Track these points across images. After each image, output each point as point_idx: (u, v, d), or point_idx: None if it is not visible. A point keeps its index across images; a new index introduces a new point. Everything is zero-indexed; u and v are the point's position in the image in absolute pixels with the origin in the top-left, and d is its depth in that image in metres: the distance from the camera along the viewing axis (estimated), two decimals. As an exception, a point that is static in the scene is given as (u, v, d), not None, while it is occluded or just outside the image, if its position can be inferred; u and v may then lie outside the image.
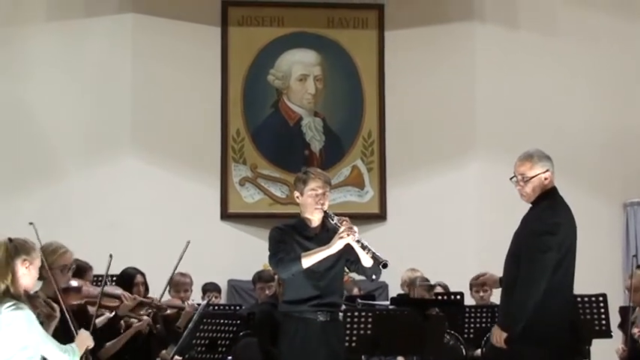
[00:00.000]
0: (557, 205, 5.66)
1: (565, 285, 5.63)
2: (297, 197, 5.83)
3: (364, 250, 5.55)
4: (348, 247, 5.67)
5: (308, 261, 5.61)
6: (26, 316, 4.70)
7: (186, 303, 7.49)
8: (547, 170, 5.71)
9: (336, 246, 5.59)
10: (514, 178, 5.79)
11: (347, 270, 5.99)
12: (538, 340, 5.41)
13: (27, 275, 4.83)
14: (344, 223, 5.63)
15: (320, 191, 5.74)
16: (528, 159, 5.74)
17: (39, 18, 10.75)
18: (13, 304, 4.69)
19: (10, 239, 4.85)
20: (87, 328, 5.31)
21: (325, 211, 5.74)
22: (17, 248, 4.80)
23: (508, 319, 5.56)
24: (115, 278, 7.64)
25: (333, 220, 5.70)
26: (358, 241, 5.57)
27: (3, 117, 10.56)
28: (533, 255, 5.50)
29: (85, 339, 5.06)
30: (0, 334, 4.68)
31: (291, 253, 5.70)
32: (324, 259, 5.64)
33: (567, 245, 5.57)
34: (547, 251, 5.48)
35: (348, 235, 5.55)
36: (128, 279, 7.37)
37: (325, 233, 5.78)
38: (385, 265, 5.51)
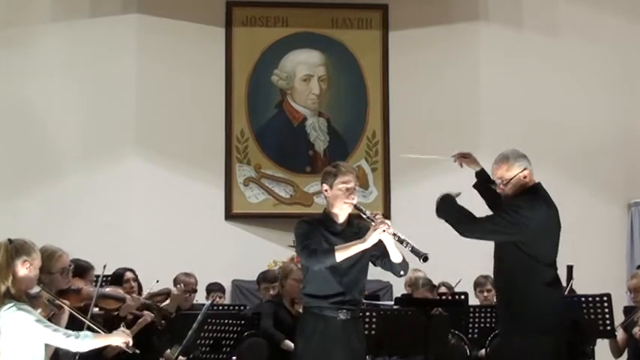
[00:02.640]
0: (534, 202, 5.64)
1: (558, 280, 5.71)
2: (326, 190, 5.68)
3: (402, 244, 5.44)
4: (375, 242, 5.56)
5: (342, 254, 5.47)
6: (27, 314, 4.72)
7: (171, 289, 7.55)
8: (525, 169, 5.70)
9: (371, 240, 5.45)
10: (495, 182, 5.81)
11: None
12: (539, 330, 5.44)
13: (27, 276, 4.85)
14: (377, 216, 5.51)
15: (350, 185, 5.62)
16: (504, 161, 5.76)
17: (44, 19, 10.77)
18: (12, 305, 4.71)
19: (10, 240, 4.86)
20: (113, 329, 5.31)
21: (356, 205, 5.61)
22: (17, 249, 4.83)
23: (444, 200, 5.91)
24: (108, 278, 7.69)
25: (365, 213, 5.57)
26: (395, 235, 5.44)
27: (7, 117, 10.59)
28: (487, 219, 5.69)
29: (119, 334, 5.04)
30: (2, 335, 4.70)
31: (321, 245, 5.56)
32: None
33: (544, 238, 5.58)
34: (493, 231, 5.63)
35: (384, 230, 5.43)
36: (118, 277, 7.48)
37: (350, 229, 5.65)
38: (426, 259, 5.39)
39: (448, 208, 5.86)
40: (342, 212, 5.67)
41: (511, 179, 5.70)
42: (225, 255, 10.54)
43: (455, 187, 11.35)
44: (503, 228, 5.60)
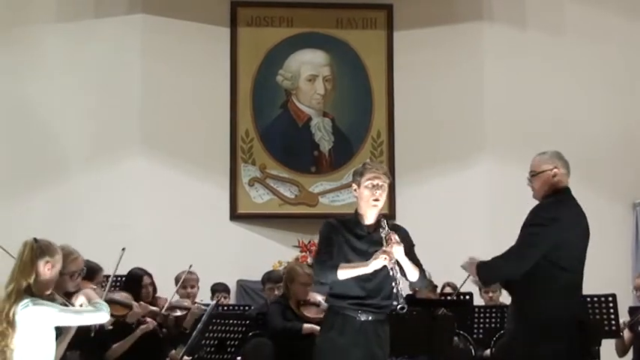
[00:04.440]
0: (559, 204, 5.60)
1: (579, 284, 5.65)
2: (355, 190, 5.59)
3: (392, 282, 5.32)
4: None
5: (344, 274, 5.41)
6: (46, 307, 4.78)
7: (195, 304, 7.52)
8: (555, 167, 5.68)
9: (372, 266, 5.36)
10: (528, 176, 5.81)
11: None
12: (551, 336, 5.41)
13: (47, 277, 4.90)
14: (389, 239, 5.37)
15: (377, 182, 5.50)
16: (540, 155, 5.75)
17: (49, 19, 10.78)
18: (28, 301, 4.76)
19: (35, 239, 4.93)
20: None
21: (380, 220, 5.47)
22: (42, 249, 4.91)
23: (482, 271, 5.67)
24: (121, 279, 7.68)
25: (383, 230, 5.43)
26: (391, 269, 5.31)
27: (12, 117, 10.60)
28: (516, 246, 5.55)
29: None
30: (18, 331, 4.73)
31: (334, 255, 5.47)
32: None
33: (566, 242, 5.50)
34: (532, 246, 5.48)
35: (385, 259, 5.31)
36: (135, 281, 7.43)
37: (378, 233, 5.51)
38: (402, 309, 5.31)
39: (486, 271, 5.70)
40: (369, 213, 5.57)
41: (539, 173, 5.69)
42: (230, 255, 10.54)
43: (459, 188, 11.40)
44: (537, 237, 5.49)
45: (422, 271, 5.57)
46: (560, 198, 5.64)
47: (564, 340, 5.41)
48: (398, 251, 5.37)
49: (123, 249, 6.38)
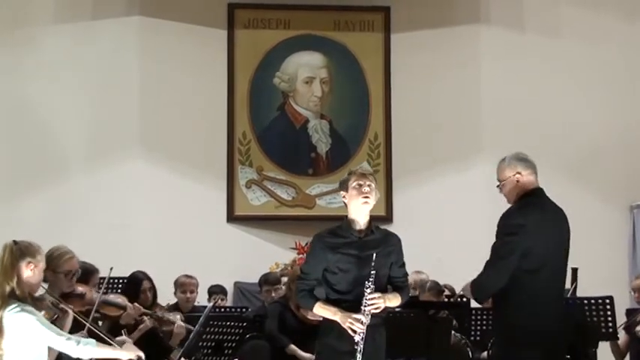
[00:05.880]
0: (526, 207, 5.58)
1: (552, 288, 5.58)
2: (344, 197, 5.63)
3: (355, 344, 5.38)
4: (383, 260, 5.54)
5: (319, 311, 5.50)
6: (30, 315, 4.74)
7: (177, 322, 7.34)
8: (517, 172, 5.67)
9: (343, 324, 5.40)
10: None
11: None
12: (530, 343, 5.39)
13: (31, 277, 4.88)
14: (367, 308, 5.38)
15: (363, 181, 5.56)
16: (501, 163, 5.79)
17: (46, 20, 10.78)
18: (16, 306, 4.73)
19: (15, 242, 4.89)
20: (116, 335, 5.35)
21: (368, 288, 5.41)
22: (22, 250, 4.87)
23: (472, 291, 5.69)
24: (122, 281, 7.65)
25: (366, 293, 5.40)
26: (357, 343, 5.35)
27: (11, 117, 10.60)
28: (492, 258, 5.55)
29: (129, 348, 5.11)
30: (6, 336, 4.72)
31: (318, 273, 5.53)
32: (370, 261, 5.43)
33: (533, 249, 5.46)
34: (503, 258, 5.48)
35: (351, 330, 5.37)
36: (135, 285, 7.37)
37: (371, 235, 5.58)
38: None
39: (476, 288, 5.71)
40: (360, 216, 5.60)
41: (503, 182, 5.71)
42: (227, 257, 10.53)
43: (456, 189, 11.40)
44: (509, 246, 5.49)
45: (403, 291, 5.67)
46: (527, 202, 5.62)
47: (538, 348, 5.39)
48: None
49: (111, 268, 6.38)
